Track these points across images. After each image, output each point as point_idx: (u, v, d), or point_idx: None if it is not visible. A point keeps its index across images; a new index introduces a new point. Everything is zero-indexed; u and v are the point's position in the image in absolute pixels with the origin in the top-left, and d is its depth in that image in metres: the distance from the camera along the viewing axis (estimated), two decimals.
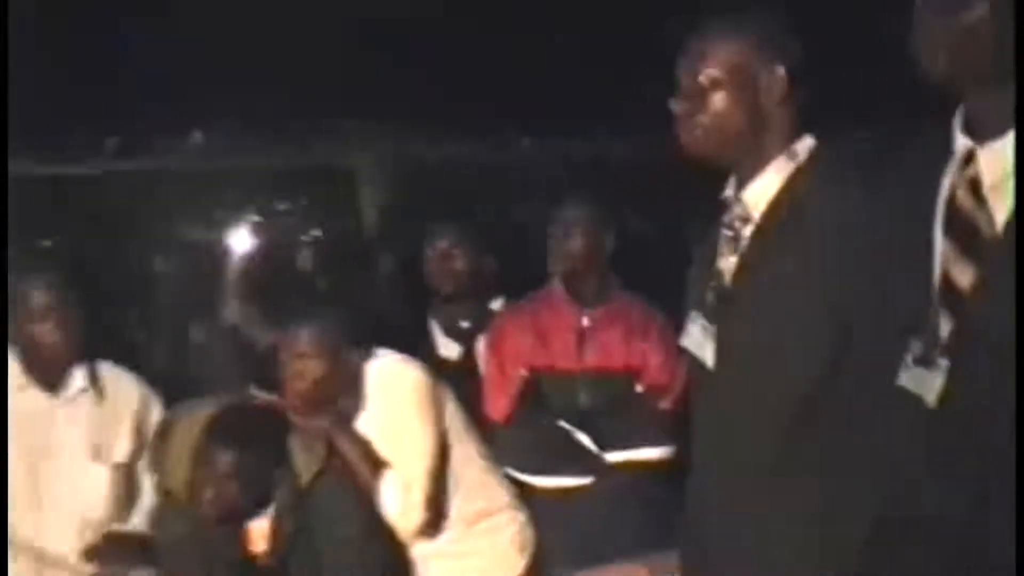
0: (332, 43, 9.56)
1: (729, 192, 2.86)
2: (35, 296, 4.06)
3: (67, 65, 9.55)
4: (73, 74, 9.72)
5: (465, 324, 5.01)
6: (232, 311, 6.30)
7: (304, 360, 4.10)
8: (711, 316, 2.84)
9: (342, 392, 4.15)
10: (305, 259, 7.27)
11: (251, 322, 5.77)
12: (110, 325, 4.59)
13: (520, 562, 4.40)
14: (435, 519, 4.25)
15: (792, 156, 2.78)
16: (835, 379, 2.62)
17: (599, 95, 9.06)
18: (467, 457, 4.36)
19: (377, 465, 4.17)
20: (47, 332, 4.05)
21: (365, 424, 4.23)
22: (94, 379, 4.19)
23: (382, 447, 4.20)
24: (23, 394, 4.09)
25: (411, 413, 4.19)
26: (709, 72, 2.75)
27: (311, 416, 4.12)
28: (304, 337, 4.09)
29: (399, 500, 4.18)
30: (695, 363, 2.89)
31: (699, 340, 2.86)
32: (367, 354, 4.24)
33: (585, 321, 4.72)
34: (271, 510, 4.07)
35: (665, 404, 4.54)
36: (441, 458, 4.26)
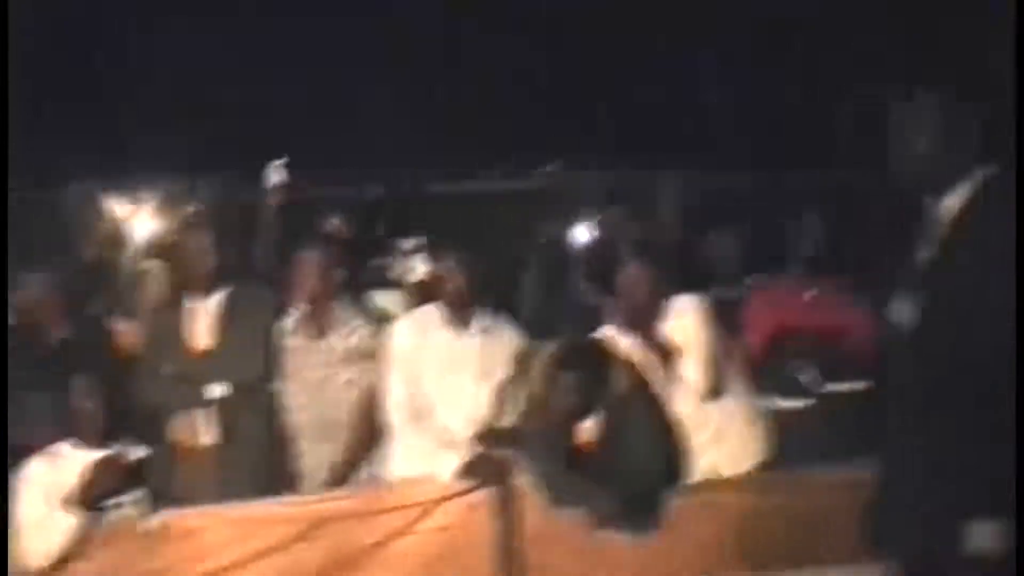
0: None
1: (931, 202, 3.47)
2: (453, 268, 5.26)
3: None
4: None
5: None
6: (582, 284, 7.60)
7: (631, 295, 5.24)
8: (912, 295, 3.48)
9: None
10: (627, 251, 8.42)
11: (590, 292, 7.07)
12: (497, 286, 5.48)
13: (760, 454, 5.17)
14: (718, 386, 5.13)
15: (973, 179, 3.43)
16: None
17: None
18: (730, 371, 5.24)
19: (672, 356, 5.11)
20: (456, 291, 5.20)
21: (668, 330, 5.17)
22: (489, 324, 5.18)
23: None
24: (441, 330, 5.14)
25: (698, 324, 5.15)
26: None
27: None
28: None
29: (694, 372, 5.09)
30: (895, 327, 3.53)
31: (903, 310, 3.51)
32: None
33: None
34: (596, 414, 4.93)
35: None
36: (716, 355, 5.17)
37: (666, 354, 5.07)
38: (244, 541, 4.80)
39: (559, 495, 4.85)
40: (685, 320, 5.13)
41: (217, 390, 5.12)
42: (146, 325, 5.46)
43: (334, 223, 6.58)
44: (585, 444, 4.96)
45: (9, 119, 5.41)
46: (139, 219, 8.70)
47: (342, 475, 5.22)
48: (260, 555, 4.81)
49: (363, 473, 5.18)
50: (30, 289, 5.25)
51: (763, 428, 5.22)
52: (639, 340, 5.06)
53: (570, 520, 4.86)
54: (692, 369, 5.04)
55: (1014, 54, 4.40)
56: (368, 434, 5.14)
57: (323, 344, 5.18)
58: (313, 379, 5.16)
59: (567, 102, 11.35)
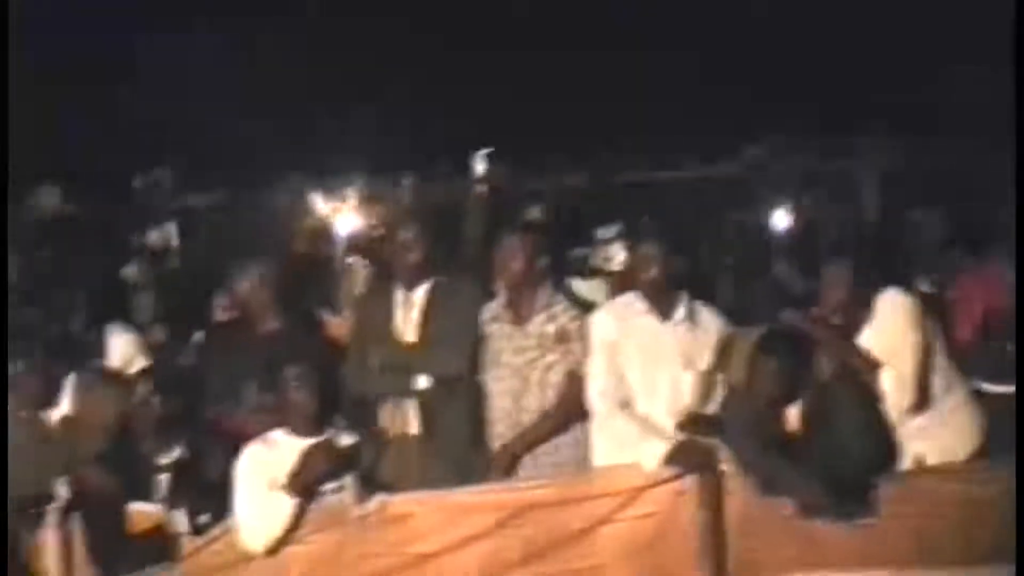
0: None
1: None
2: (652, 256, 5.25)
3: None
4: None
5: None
6: (779, 268, 7.50)
7: (835, 290, 5.18)
8: None
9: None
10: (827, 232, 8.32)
11: (788, 276, 6.97)
12: (697, 273, 5.48)
13: (973, 443, 5.10)
14: (922, 401, 5.02)
15: None
16: None
17: None
18: (940, 363, 5.14)
19: (874, 365, 5.00)
20: (656, 279, 5.19)
21: (868, 335, 5.07)
22: (690, 312, 5.18)
23: (881, 352, 5.02)
24: (643, 318, 5.16)
25: (906, 327, 5.04)
26: None
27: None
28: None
29: (896, 387, 4.98)
30: None
31: None
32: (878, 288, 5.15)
33: None
34: (800, 400, 4.94)
35: None
36: (924, 360, 5.08)
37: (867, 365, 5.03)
38: (451, 527, 4.91)
39: (765, 482, 4.83)
40: (890, 322, 5.06)
41: (423, 381, 5.21)
42: (354, 317, 5.59)
43: (536, 212, 6.64)
44: (790, 430, 4.95)
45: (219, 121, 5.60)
46: (344, 215, 8.92)
47: (513, 460, 5.21)
48: (467, 541, 4.91)
49: (565, 460, 5.20)
50: (244, 283, 5.44)
51: (973, 415, 5.13)
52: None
53: (776, 507, 4.82)
54: (894, 384, 4.98)
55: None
56: (565, 419, 5.17)
57: (525, 330, 5.22)
58: (514, 364, 5.21)
59: (766, 84, 11.19)
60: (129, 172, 10.72)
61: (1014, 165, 5.26)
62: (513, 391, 5.21)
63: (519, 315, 5.26)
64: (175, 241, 8.25)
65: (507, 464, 5.16)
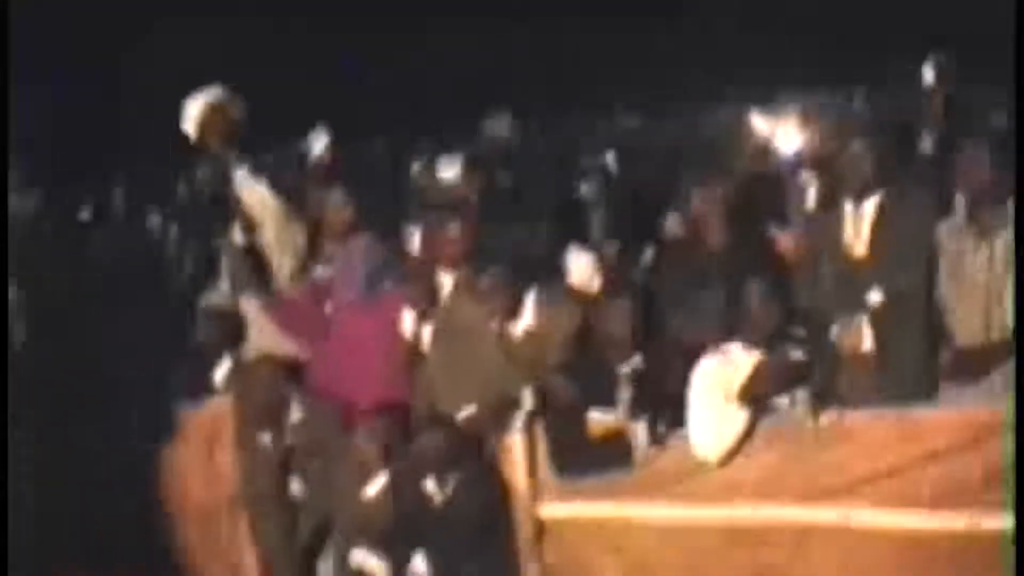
0: None
1: None
2: None
3: None
4: None
5: None
6: None
7: None
8: None
9: None
10: None
11: None
12: None
13: None
14: None
15: None
16: None
17: None
18: None
19: None
20: None
21: None
22: None
23: None
24: None
25: None
26: None
27: None
28: None
29: None
30: None
31: None
32: None
33: None
34: None
35: None
36: None
37: None
38: (905, 446, 4.80)
39: None
40: None
41: (875, 296, 5.11)
42: (804, 232, 5.57)
43: (1000, 118, 6.31)
44: None
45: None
46: (790, 131, 8.85)
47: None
48: (921, 461, 4.77)
49: None
50: (696, 200, 5.54)
51: None
52: None
53: None
54: None
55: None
56: None
57: (990, 243, 5.01)
58: (977, 280, 5.01)
59: None
60: (569, 103, 11.04)
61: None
62: (976, 308, 5.03)
63: (982, 228, 5.05)
64: (619, 162, 8.44)
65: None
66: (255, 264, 5.94)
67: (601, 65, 12.68)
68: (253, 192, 5.97)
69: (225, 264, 6.18)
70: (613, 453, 5.11)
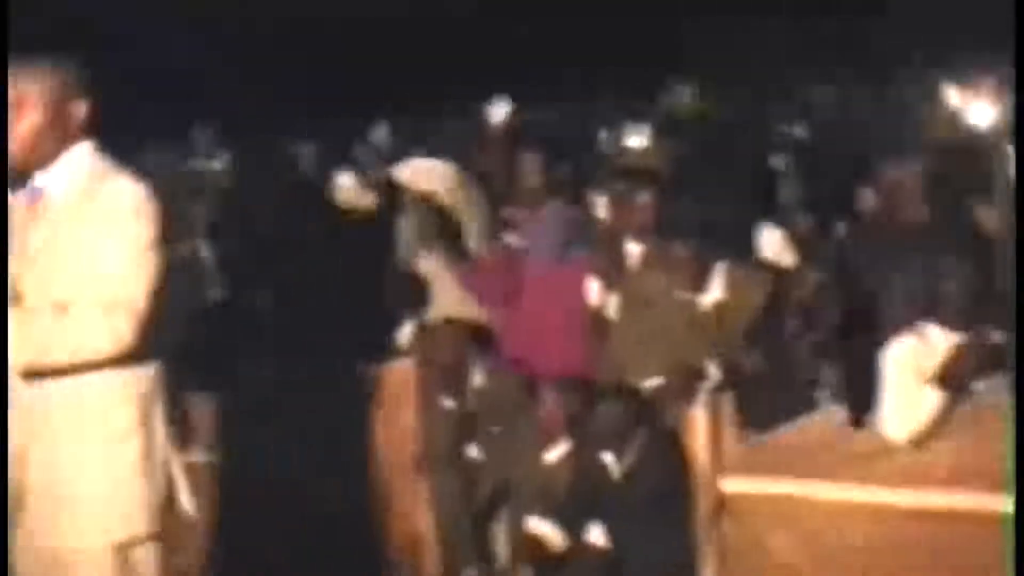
0: None
1: None
2: None
3: None
4: None
5: None
6: None
7: None
8: None
9: None
10: None
11: None
12: None
13: None
14: None
15: None
16: None
17: None
18: None
19: None
20: None
21: None
22: None
23: None
24: None
25: None
26: None
27: None
28: None
29: None
30: None
31: None
32: None
33: None
34: None
35: None
36: None
37: None
38: None
39: None
40: None
41: None
42: (1007, 209, 5.37)
43: None
44: None
45: None
46: (980, 105, 8.60)
47: None
48: None
49: None
50: (893, 173, 5.38)
51: None
52: None
53: None
54: None
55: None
56: None
57: None
58: None
59: None
60: (764, 71, 10.90)
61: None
62: None
63: None
64: (812, 133, 8.30)
65: None
66: (443, 225, 5.97)
67: (786, 33, 12.48)
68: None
69: (409, 223, 6.22)
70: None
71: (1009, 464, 4.42)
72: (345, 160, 7.96)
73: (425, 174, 6.12)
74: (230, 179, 7.86)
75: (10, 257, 3.41)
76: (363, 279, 6.12)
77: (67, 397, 3.30)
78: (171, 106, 10.70)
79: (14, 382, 3.34)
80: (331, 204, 6.92)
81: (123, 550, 3.32)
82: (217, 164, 8.59)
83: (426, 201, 6.09)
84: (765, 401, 5.10)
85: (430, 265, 6.16)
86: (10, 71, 3.29)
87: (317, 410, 5.61)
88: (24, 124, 3.27)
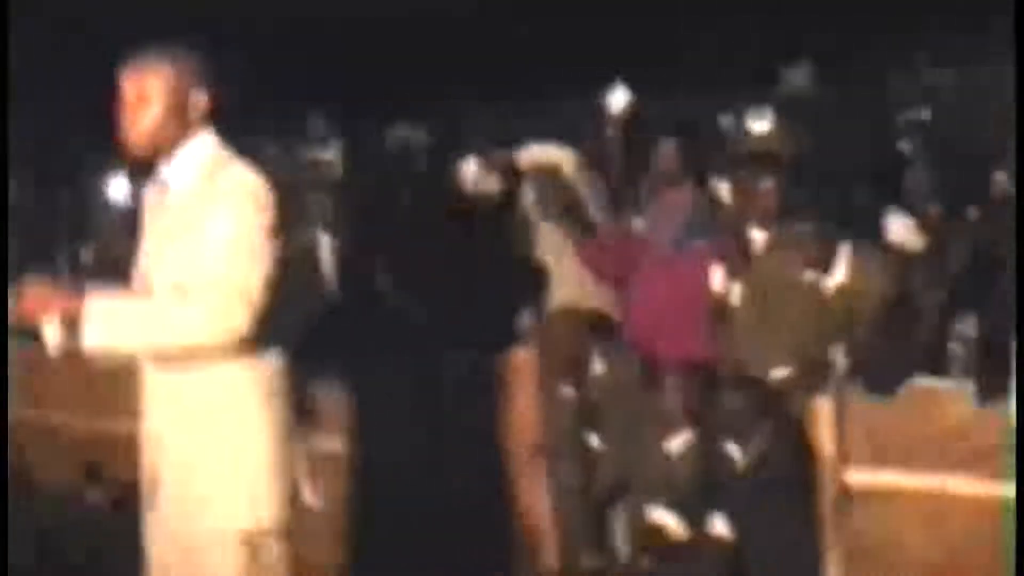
0: None
1: None
2: None
3: None
4: None
5: None
6: None
7: None
8: None
9: None
10: None
11: None
12: None
13: None
14: None
15: None
16: None
17: None
18: None
19: None
20: None
21: None
22: None
23: None
24: None
25: None
26: None
27: None
28: None
29: None
30: None
31: None
32: None
33: None
34: None
35: None
36: None
37: None
38: None
39: None
40: None
41: None
42: None
43: None
44: None
45: None
46: None
47: None
48: None
49: None
50: None
51: None
52: None
53: None
54: None
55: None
56: None
57: None
58: None
59: None
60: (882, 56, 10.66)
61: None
62: None
63: None
64: (935, 118, 8.07)
65: None
66: (566, 199, 5.91)
67: (901, 15, 12.19)
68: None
69: (532, 198, 6.14)
70: None
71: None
72: (459, 145, 7.93)
73: (547, 154, 6.06)
74: (344, 167, 7.87)
75: (141, 247, 3.50)
76: (483, 266, 6.09)
77: (196, 385, 3.33)
78: (284, 95, 10.78)
79: (147, 368, 3.42)
80: (447, 190, 6.90)
81: (250, 539, 3.33)
82: (331, 153, 8.62)
83: (549, 176, 6.03)
84: (893, 388, 4.97)
85: (551, 243, 6.08)
86: (132, 63, 3.36)
87: (438, 399, 5.60)
88: (147, 115, 3.34)
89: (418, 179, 7.56)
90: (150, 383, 3.43)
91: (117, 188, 10.46)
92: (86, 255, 9.26)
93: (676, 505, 5.26)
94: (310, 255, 6.57)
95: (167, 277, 3.33)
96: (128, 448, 3.65)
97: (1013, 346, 4.66)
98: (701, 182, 5.84)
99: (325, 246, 6.73)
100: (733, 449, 5.12)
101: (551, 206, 6.02)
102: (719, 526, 5.14)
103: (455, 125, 9.29)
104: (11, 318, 3.23)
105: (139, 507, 3.48)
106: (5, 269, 3.26)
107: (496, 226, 6.32)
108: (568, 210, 5.96)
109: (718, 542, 5.11)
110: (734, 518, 5.11)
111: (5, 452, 4.05)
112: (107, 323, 3.20)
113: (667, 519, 5.28)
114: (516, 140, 6.59)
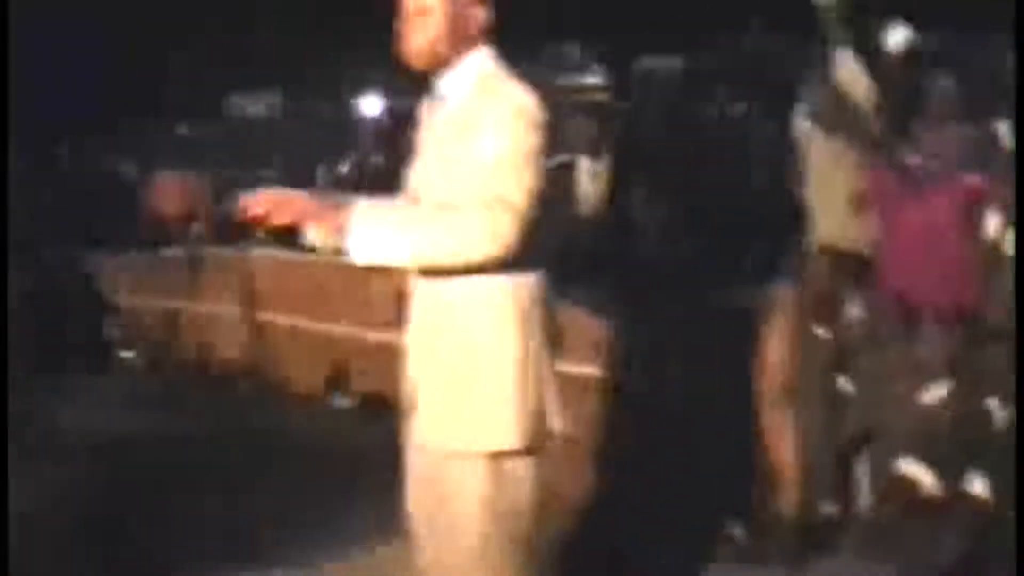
0: None
1: None
2: None
3: None
4: None
5: None
6: None
7: None
8: None
9: None
10: None
11: None
12: None
13: None
14: None
15: None
16: None
17: None
18: None
19: None
20: None
21: None
22: None
23: None
24: None
25: None
26: None
27: None
28: None
29: None
30: None
31: None
32: None
33: None
34: None
35: None
36: None
37: None
38: None
39: None
40: None
41: None
42: None
43: None
44: None
45: None
46: None
47: None
48: None
49: None
50: None
51: None
52: None
53: None
54: None
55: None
56: None
57: None
58: None
59: None
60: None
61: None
62: None
63: None
64: None
65: None
66: (850, 113, 5.65)
67: None
68: (852, 74, 5.68)
69: (813, 105, 5.88)
70: None
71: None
72: (717, 74, 7.73)
73: (851, 82, 5.77)
74: (609, 94, 7.82)
75: (413, 160, 3.53)
76: (745, 200, 5.92)
77: (458, 297, 3.33)
78: (540, 23, 10.76)
79: (413, 279, 3.45)
80: (703, 122, 6.74)
81: (498, 459, 3.31)
82: (592, 78, 8.56)
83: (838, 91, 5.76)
84: None
85: (822, 170, 5.80)
86: None
87: (695, 333, 5.49)
88: (428, 27, 3.35)
89: (677, 108, 7.39)
90: (417, 294, 3.45)
91: (371, 105, 10.64)
92: (343, 168, 9.46)
93: (929, 459, 5.03)
94: (568, 178, 6.55)
95: (438, 190, 3.34)
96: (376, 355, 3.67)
97: None
98: (982, 124, 5.50)
99: (585, 170, 6.69)
100: (994, 405, 4.86)
101: (835, 119, 5.70)
102: (977, 485, 4.89)
103: (713, 55, 9.06)
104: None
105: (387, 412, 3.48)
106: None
107: (762, 157, 6.12)
108: (851, 124, 5.66)
109: (975, 502, 4.87)
110: (993, 477, 4.86)
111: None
112: (376, 231, 3.22)
113: (919, 472, 5.06)
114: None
